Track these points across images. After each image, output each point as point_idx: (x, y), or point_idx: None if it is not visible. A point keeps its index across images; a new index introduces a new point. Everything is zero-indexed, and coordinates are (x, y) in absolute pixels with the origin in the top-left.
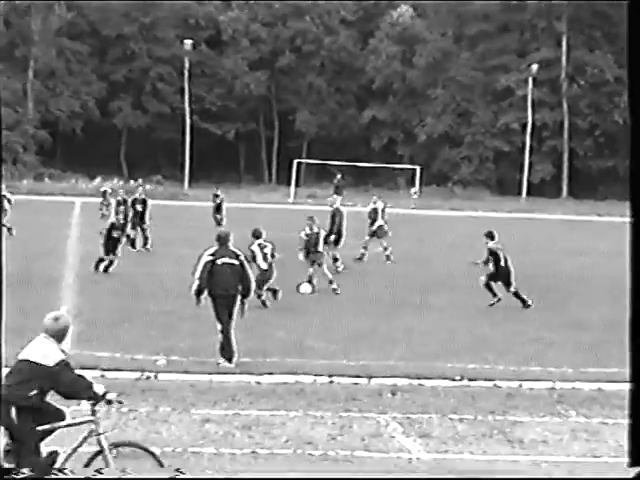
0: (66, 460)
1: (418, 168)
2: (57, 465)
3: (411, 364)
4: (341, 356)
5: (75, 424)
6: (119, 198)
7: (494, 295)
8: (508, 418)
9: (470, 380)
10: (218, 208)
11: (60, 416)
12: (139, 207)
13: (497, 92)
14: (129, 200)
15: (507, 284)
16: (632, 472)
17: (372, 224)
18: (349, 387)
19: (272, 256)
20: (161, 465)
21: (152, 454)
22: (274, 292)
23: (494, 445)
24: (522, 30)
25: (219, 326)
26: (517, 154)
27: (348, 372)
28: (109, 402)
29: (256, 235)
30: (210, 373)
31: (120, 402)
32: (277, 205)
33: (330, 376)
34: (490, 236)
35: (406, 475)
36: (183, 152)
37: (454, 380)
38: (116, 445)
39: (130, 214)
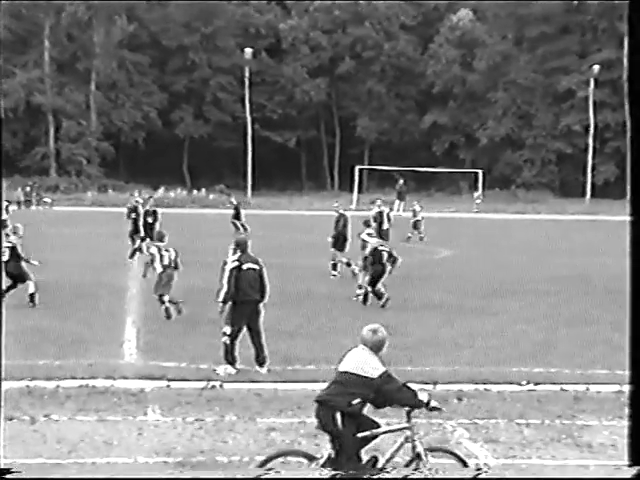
0: (384, 465)
1: (480, 172)
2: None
3: (477, 369)
4: (406, 362)
5: (393, 431)
6: (129, 205)
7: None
8: (576, 422)
9: (536, 384)
10: (237, 215)
11: (376, 424)
12: (149, 219)
13: (558, 94)
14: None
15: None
16: (632, 472)
17: (380, 226)
18: None
19: (175, 264)
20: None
21: (461, 460)
22: (176, 304)
23: (562, 449)
24: (583, 31)
25: (229, 330)
26: (580, 156)
27: (413, 378)
28: (432, 409)
29: (160, 238)
30: (275, 382)
31: (440, 409)
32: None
33: None
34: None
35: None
36: (245, 161)
37: (520, 384)
38: (431, 450)
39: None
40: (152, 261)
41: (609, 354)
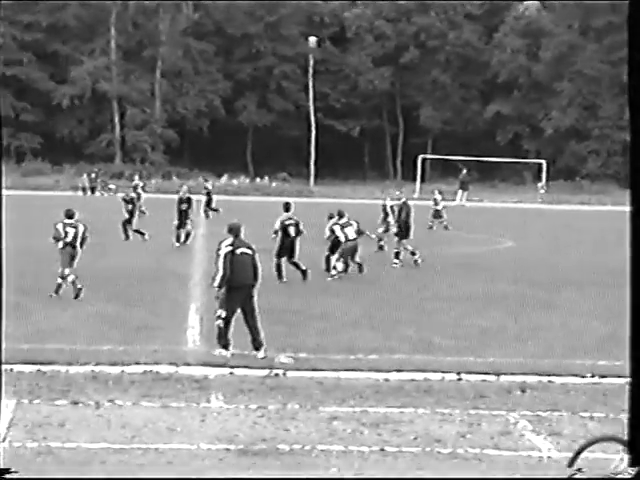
0: None
1: (544, 162)
2: None
3: (540, 361)
4: (469, 353)
5: None
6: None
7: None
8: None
9: (601, 377)
10: (209, 202)
11: None
12: (184, 206)
13: (624, 85)
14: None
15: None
16: (632, 472)
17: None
18: (477, 384)
19: (81, 241)
20: None
21: None
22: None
23: None
24: None
25: (223, 313)
26: None
27: (476, 369)
28: None
29: (69, 215)
30: (338, 370)
31: None
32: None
33: (458, 373)
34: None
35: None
36: (308, 149)
37: (584, 377)
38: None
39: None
40: (56, 238)
41: None
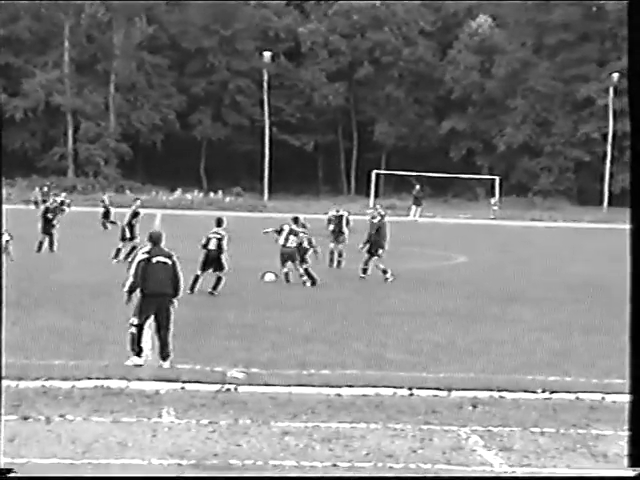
0: None
1: (497, 178)
2: None
3: (491, 376)
4: (421, 368)
5: None
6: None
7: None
8: (591, 431)
9: (552, 393)
10: (106, 214)
11: None
12: (132, 220)
13: (577, 102)
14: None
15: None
16: (632, 472)
17: (336, 230)
18: (429, 400)
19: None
20: None
21: None
22: None
23: (577, 459)
24: (602, 39)
25: (135, 320)
26: (598, 164)
27: (428, 384)
28: None
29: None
30: (290, 385)
31: None
32: (356, 217)
33: (410, 389)
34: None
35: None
36: (262, 164)
37: (535, 393)
38: None
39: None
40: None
41: (625, 363)
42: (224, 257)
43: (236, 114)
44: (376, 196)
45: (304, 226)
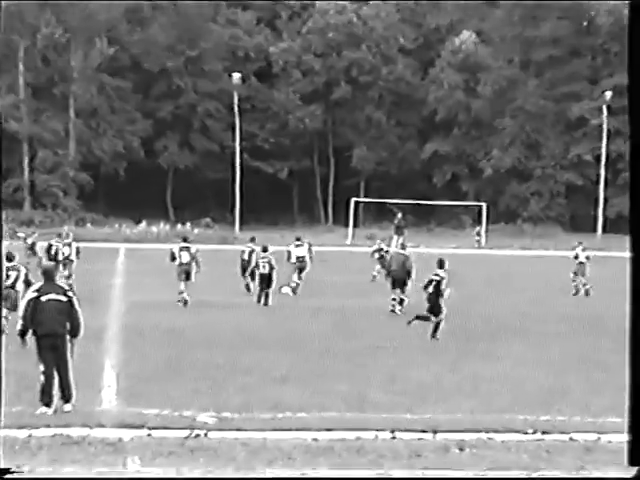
0: None
1: (484, 205)
2: None
3: (479, 417)
4: (404, 409)
5: None
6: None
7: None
8: (586, 474)
9: (544, 433)
10: (32, 247)
11: None
12: (67, 251)
13: (569, 121)
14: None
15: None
16: (632, 472)
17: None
18: (413, 443)
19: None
20: None
21: None
22: None
23: None
24: (594, 55)
25: (42, 367)
26: (591, 188)
27: (412, 426)
28: None
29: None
30: (264, 430)
31: None
32: (334, 247)
33: (392, 431)
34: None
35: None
36: (233, 193)
37: (526, 433)
38: None
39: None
40: None
41: (622, 401)
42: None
43: (205, 139)
44: (355, 225)
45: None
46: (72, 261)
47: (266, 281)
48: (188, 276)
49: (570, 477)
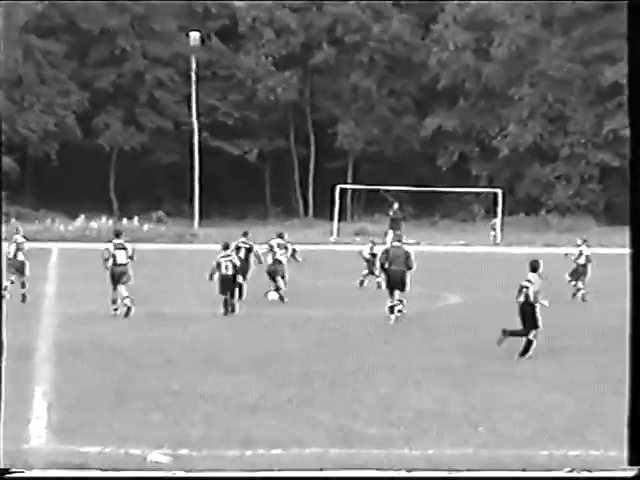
0: None
1: (500, 192)
2: None
3: (494, 452)
4: (402, 444)
5: None
6: None
7: None
8: (585, 474)
9: (571, 471)
10: None
11: None
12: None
13: (601, 89)
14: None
15: None
16: (632, 471)
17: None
18: None
19: None
20: None
21: None
22: None
23: None
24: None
25: None
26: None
27: (411, 464)
28: None
29: None
30: (230, 470)
31: None
32: (315, 246)
33: (387, 470)
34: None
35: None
36: (191, 180)
37: (550, 470)
38: None
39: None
40: None
41: None
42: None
43: (155, 115)
44: (341, 219)
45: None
46: None
47: (229, 285)
48: (120, 279)
49: (570, 477)
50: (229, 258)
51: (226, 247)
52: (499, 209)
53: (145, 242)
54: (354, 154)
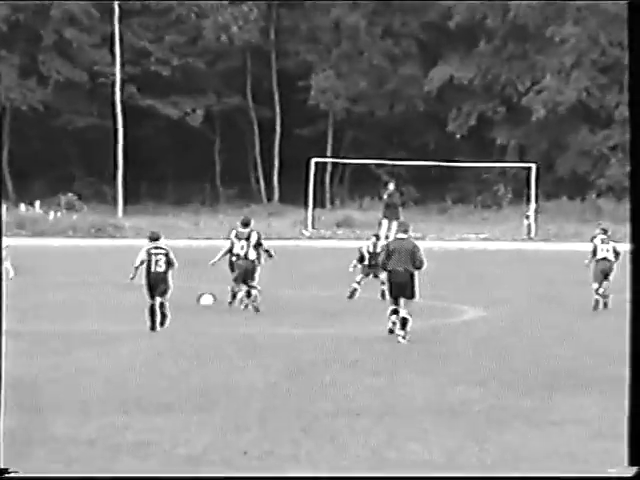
0: None
1: (534, 167)
2: None
3: None
4: None
5: None
6: None
7: None
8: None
9: None
10: None
11: None
12: None
13: None
14: None
15: None
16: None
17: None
18: None
19: None
20: None
21: None
22: None
23: None
24: None
25: None
26: None
27: None
28: None
29: None
30: None
31: None
32: (283, 241)
33: None
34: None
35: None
36: (114, 152)
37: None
38: None
39: None
40: None
41: None
42: None
43: (64, 63)
44: (317, 205)
45: None
46: None
47: (161, 286)
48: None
49: (570, 477)
50: (162, 251)
51: (156, 238)
52: (532, 191)
53: (50, 236)
54: (335, 116)
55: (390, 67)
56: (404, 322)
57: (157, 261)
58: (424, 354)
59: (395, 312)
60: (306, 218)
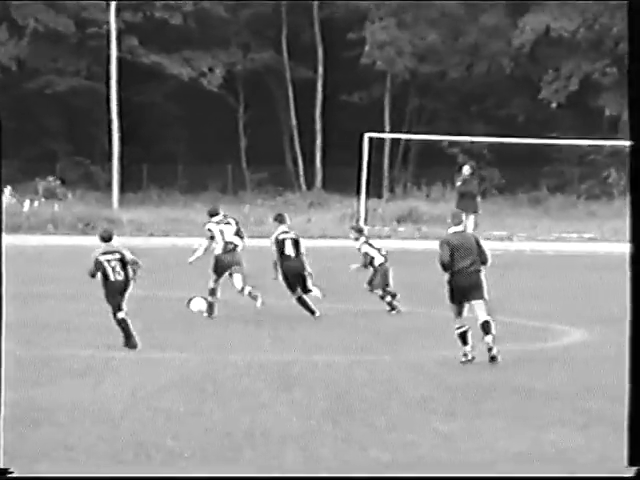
0: None
1: None
2: None
3: None
4: None
5: None
6: None
7: None
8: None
9: None
10: None
11: None
12: None
13: None
14: None
15: None
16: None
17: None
18: None
19: None
20: None
21: None
22: None
23: None
24: None
25: None
26: None
27: None
28: None
29: None
30: None
31: None
32: (328, 241)
33: None
34: None
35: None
36: (109, 124)
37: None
38: None
39: None
40: None
41: None
42: None
43: (43, 7)
44: (373, 194)
45: None
46: None
47: (119, 298)
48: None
49: (570, 477)
50: (116, 256)
51: (108, 239)
52: None
53: (25, 232)
54: (395, 79)
55: (468, 15)
56: (487, 326)
57: (114, 267)
58: (511, 390)
59: (464, 336)
60: (358, 211)
